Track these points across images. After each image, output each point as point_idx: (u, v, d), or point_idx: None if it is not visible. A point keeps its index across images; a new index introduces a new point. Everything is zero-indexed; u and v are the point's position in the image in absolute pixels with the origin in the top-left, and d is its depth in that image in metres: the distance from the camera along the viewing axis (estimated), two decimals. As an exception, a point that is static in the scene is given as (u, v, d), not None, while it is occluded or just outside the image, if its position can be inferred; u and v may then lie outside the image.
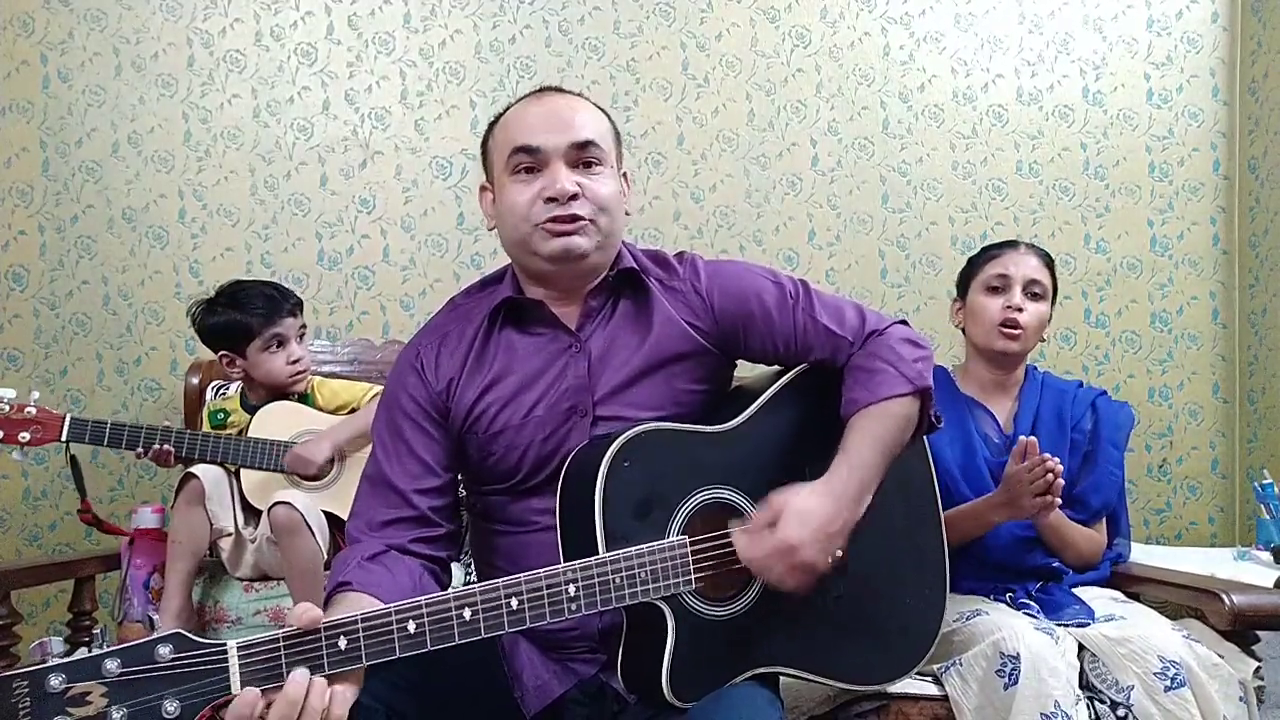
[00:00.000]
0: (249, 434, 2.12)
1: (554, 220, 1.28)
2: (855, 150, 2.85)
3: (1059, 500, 1.68)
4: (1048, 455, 1.64)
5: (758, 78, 2.83)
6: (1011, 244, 1.98)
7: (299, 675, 0.98)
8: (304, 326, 2.21)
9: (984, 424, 1.90)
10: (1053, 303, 1.95)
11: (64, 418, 2.00)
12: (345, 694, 1.01)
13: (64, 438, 1.99)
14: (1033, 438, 1.67)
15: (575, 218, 1.29)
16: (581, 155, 1.31)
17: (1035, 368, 2.02)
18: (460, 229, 2.75)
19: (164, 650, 0.93)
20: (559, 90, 1.38)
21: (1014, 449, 1.67)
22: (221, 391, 2.35)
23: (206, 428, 2.21)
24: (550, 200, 1.28)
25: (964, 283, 2.01)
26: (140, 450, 2.04)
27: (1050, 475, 1.63)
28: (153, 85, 2.66)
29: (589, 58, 2.78)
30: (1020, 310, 1.88)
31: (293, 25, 2.71)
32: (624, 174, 1.40)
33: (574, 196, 1.28)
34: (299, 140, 2.71)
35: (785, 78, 2.84)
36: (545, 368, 1.35)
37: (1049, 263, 1.95)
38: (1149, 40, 2.90)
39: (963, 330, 2.00)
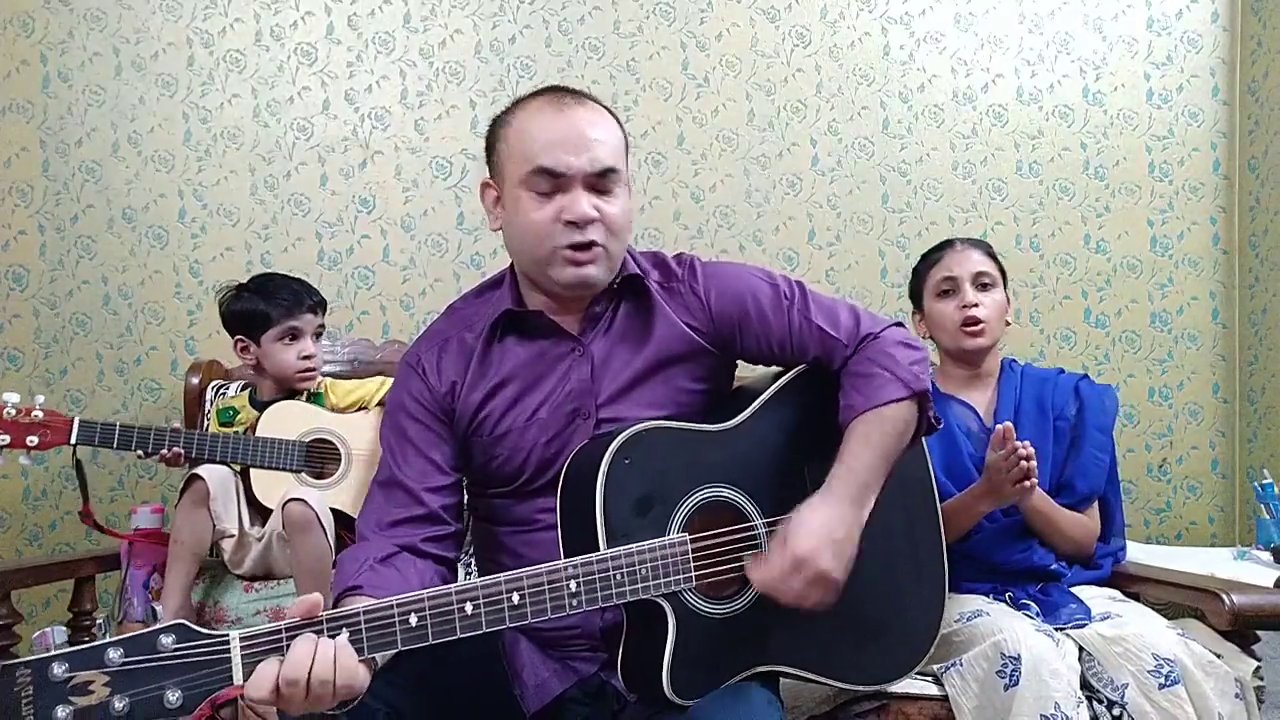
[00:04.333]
0: (258, 432, 2.12)
1: (572, 246, 1.29)
2: (855, 150, 2.85)
3: (1035, 481, 1.68)
4: (1020, 443, 1.64)
5: (758, 78, 2.83)
6: (948, 244, 1.99)
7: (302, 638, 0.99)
8: (322, 327, 2.24)
9: (965, 419, 1.90)
10: (1005, 287, 1.96)
11: (73, 421, 1.97)
12: (350, 648, 1.02)
13: (73, 441, 1.97)
14: (1008, 424, 1.67)
15: (592, 244, 1.29)
16: (600, 181, 1.31)
17: (1013, 361, 2.02)
18: (460, 229, 2.75)
19: (167, 640, 0.94)
20: (575, 95, 1.35)
21: (992, 438, 1.68)
22: (221, 391, 2.35)
23: (214, 426, 2.21)
24: (569, 224, 1.28)
25: (915, 293, 2.02)
26: (147, 451, 2.03)
27: (1025, 463, 1.64)
28: (153, 85, 2.66)
29: (589, 58, 2.79)
30: (976, 305, 1.89)
31: (293, 25, 2.71)
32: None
33: (591, 221, 1.29)
34: (299, 140, 2.71)
35: (785, 78, 2.84)
36: (548, 372, 1.36)
37: (990, 252, 1.97)
38: (1149, 40, 2.90)
39: (930, 338, 2.00)
